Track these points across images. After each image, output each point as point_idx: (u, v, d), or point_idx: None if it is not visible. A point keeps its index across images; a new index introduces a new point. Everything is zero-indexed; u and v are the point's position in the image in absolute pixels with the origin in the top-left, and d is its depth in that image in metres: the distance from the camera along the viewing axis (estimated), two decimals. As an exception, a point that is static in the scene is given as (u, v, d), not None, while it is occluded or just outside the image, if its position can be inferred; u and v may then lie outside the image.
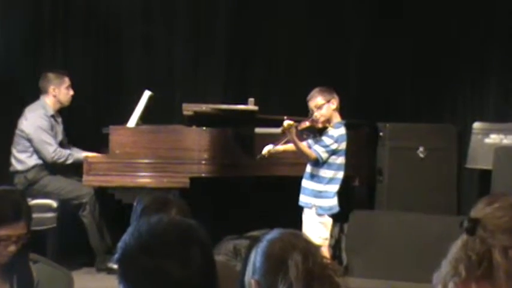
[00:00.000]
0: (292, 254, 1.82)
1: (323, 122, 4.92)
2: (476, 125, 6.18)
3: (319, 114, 4.90)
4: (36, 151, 5.69)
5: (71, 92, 5.86)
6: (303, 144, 4.95)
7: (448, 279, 2.05)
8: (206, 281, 1.60)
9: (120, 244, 1.63)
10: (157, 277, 1.55)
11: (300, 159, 5.09)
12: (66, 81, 5.83)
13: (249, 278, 1.90)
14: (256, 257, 1.89)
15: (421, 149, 6.33)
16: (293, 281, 1.77)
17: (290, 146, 4.99)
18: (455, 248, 2.06)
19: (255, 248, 1.91)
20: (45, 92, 5.81)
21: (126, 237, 1.63)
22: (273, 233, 1.93)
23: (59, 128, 5.88)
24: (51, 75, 5.81)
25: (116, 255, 1.63)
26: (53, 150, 5.65)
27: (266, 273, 1.84)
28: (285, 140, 4.91)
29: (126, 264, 1.60)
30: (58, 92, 5.80)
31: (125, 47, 6.65)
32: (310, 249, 1.86)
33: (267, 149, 5.02)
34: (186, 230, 1.63)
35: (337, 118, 4.98)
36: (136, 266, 1.58)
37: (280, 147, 5.01)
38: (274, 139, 5.06)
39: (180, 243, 1.59)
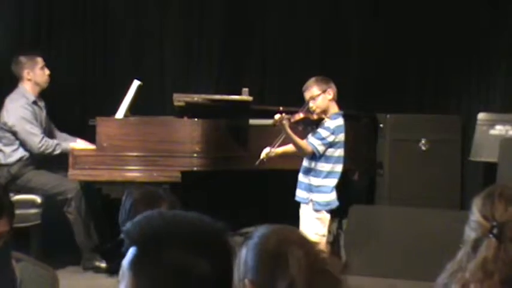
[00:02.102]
0: (291, 248, 1.77)
1: (319, 114, 4.76)
2: (482, 115, 6.11)
3: (315, 106, 4.74)
4: (22, 143, 5.51)
5: (47, 72, 5.66)
6: (298, 138, 4.78)
7: (473, 280, 2.23)
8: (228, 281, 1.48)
9: (134, 236, 1.42)
10: (192, 274, 1.39)
11: (297, 152, 4.90)
12: (40, 61, 5.64)
13: (240, 278, 1.80)
14: (247, 256, 1.80)
15: (423, 141, 6.25)
16: (295, 276, 1.72)
17: (289, 148, 4.86)
18: (484, 252, 2.22)
19: (244, 246, 1.83)
20: (21, 77, 5.61)
21: (141, 227, 1.43)
22: (264, 229, 1.85)
23: (43, 115, 5.69)
24: (22, 59, 5.62)
25: (133, 252, 1.41)
26: (39, 140, 5.48)
27: (262, 271, 1.77)
28: (282, 138, 4.77)
29: (151, 259, 1.39)
30: (33, 75, 5.60)
31: (114, 35, 6.53)
32: (308, 243, 1.83)
33: (265, 152, 4.87)
34: (215, 227, 1.47)
35: (334, 109, 4.81)
36: (167, 261, 1.38)
37: (279, 150, 4.88)
38: (269, 132, 4.89)
39: (214, 241, 1.44)
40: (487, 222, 2.33)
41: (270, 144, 4.87)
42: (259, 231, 1.84)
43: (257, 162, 4.87)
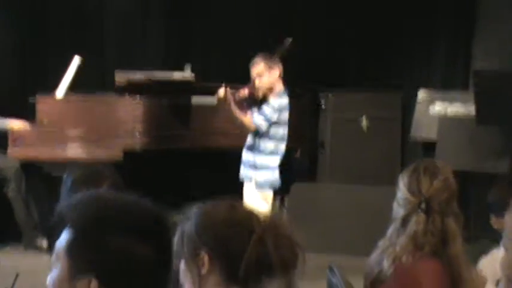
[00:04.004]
0: (242, 214, 1.77)
1: (264, 91, 4.73)
2: (422, 93, 6.11)
3: (261, 83, 4.69)
4: None
5: None
6: (242, 114, 4.75)
7: (404, 253, 2.37)
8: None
9: (73, 219, 1.39)
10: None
11: (240, 129, 4.88)
12: None
13: (192, 253, 1.76)
14: (198, 230, 1.77)
15: (364, 119, 6.25)
16: (250, 240, 1.68)
17: None
18: (414, 226, 2.37)
19: (190, 222, 1.79)
20: None
21: (79, 211, 1.40)
22: (207, 204, 1.82)
23: None
24: None
25: (71, 235, 1.38)
26: None
27: (218, 240, 1.74)
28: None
29: (91, 244, 1.37)
30: None
31: (52, 9, 6.33)
32: (255, 210, 1.81)
33: (222, 90, 4.73)
34: (154, 210, 1.44)
35: (279, 87, 4.79)
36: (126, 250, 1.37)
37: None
38: (213, 110, 4.85)
39: (154, 224, 1.43)
40: (414, 198, 2.42)
41: (212, 122, 4.82)
42: (203, 206, 1.82)
43: (215, 102, 4.75)
